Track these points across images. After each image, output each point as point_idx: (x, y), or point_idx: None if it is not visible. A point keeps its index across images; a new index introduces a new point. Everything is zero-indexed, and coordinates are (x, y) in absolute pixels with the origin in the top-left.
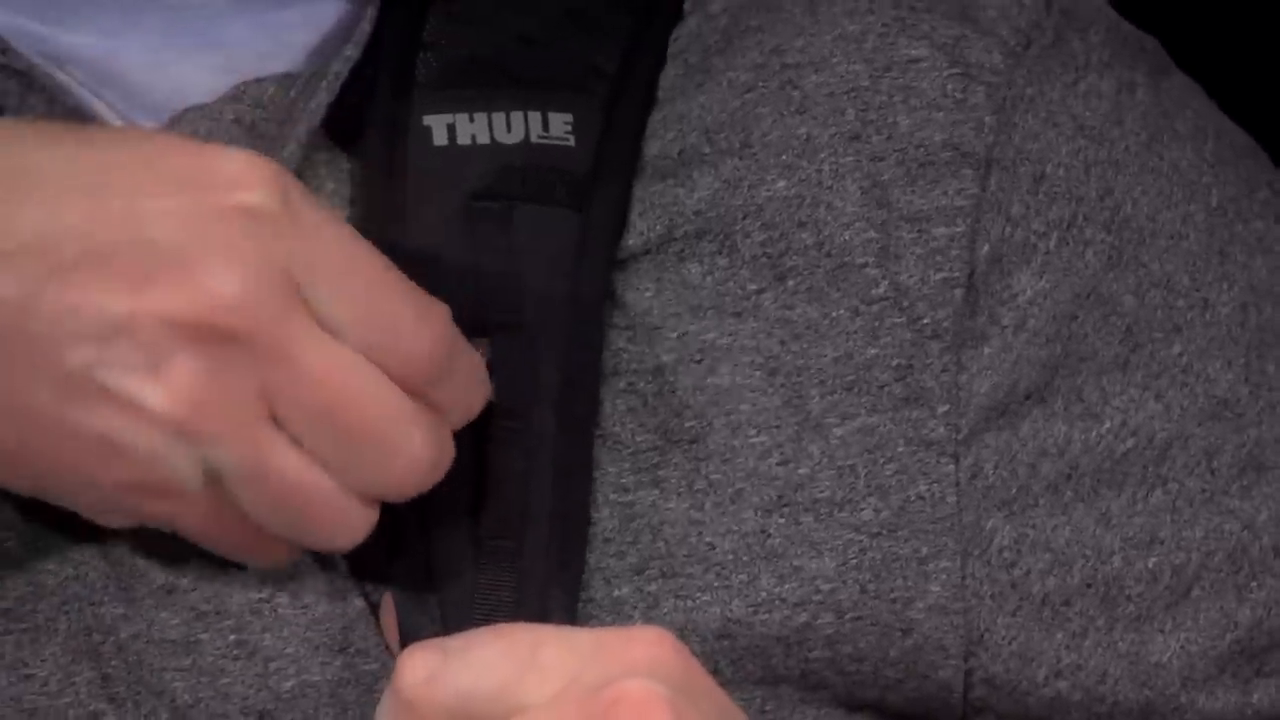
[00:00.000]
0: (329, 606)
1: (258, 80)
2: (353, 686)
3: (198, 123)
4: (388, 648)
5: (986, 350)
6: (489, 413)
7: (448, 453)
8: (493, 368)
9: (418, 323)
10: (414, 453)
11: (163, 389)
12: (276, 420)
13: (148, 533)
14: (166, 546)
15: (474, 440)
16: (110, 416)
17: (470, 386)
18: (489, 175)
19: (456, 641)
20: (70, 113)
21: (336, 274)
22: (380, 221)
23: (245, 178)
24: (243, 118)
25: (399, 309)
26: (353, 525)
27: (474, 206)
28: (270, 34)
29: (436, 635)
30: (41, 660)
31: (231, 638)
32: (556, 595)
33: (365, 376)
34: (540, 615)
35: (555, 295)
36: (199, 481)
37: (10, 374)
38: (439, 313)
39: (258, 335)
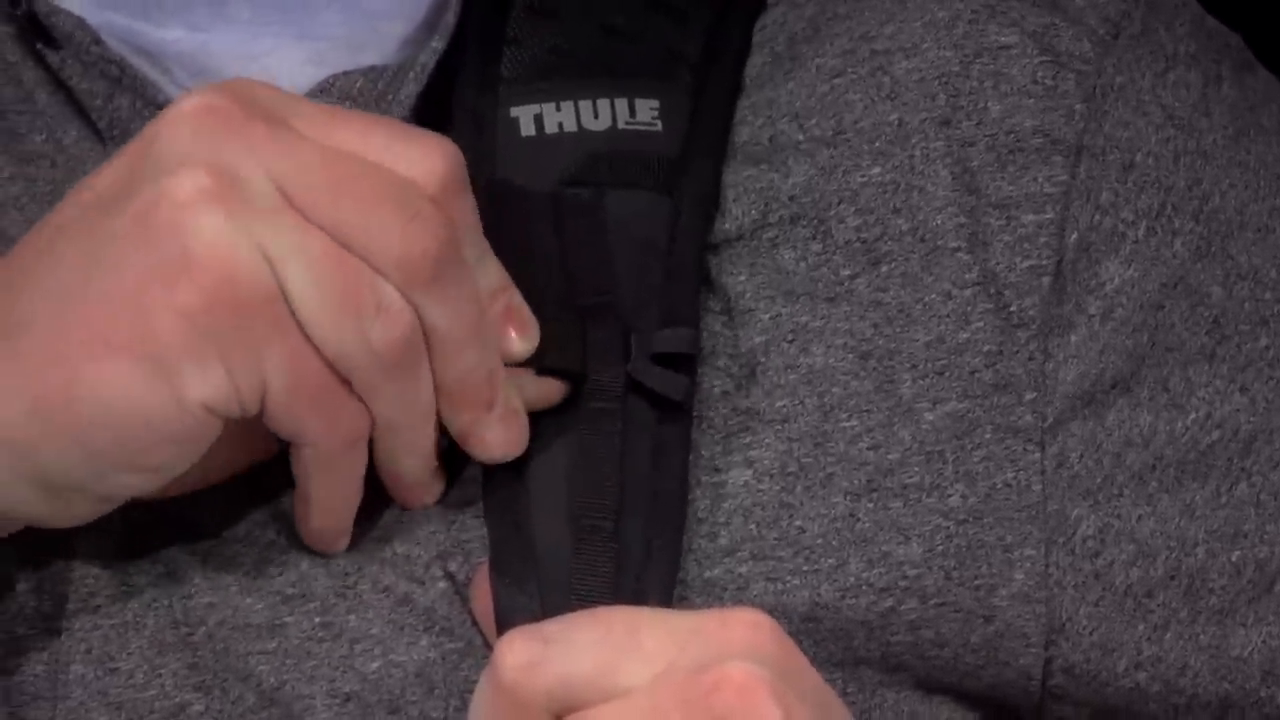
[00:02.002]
0: (410, 586)
1: (345, 73)
2: (439, 666)
3: None
4: (477, 626)
5: (1073, 338)
6: (584, 394)
7: (446, 236)
8: (587, 349)
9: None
10: (425, 214)
11: (191, 171)
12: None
13: (234, 522)
14: (253, 535)
15: (570, 421)
16: (161, 230)
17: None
18: (577, 162)
19: (555, 627)
20: (153, 107)
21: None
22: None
23: None
24: None
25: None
26: (393, 316)
27: (565, 194)
28: (362, 24)
29: (534, 615)
30: (128, 654)
31: (317, 620)
32: (654, 576)
33: (357, 160)
34: (637, 596)
35: (648, 277)
36: (268, 277)
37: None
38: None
39: (254, 122)
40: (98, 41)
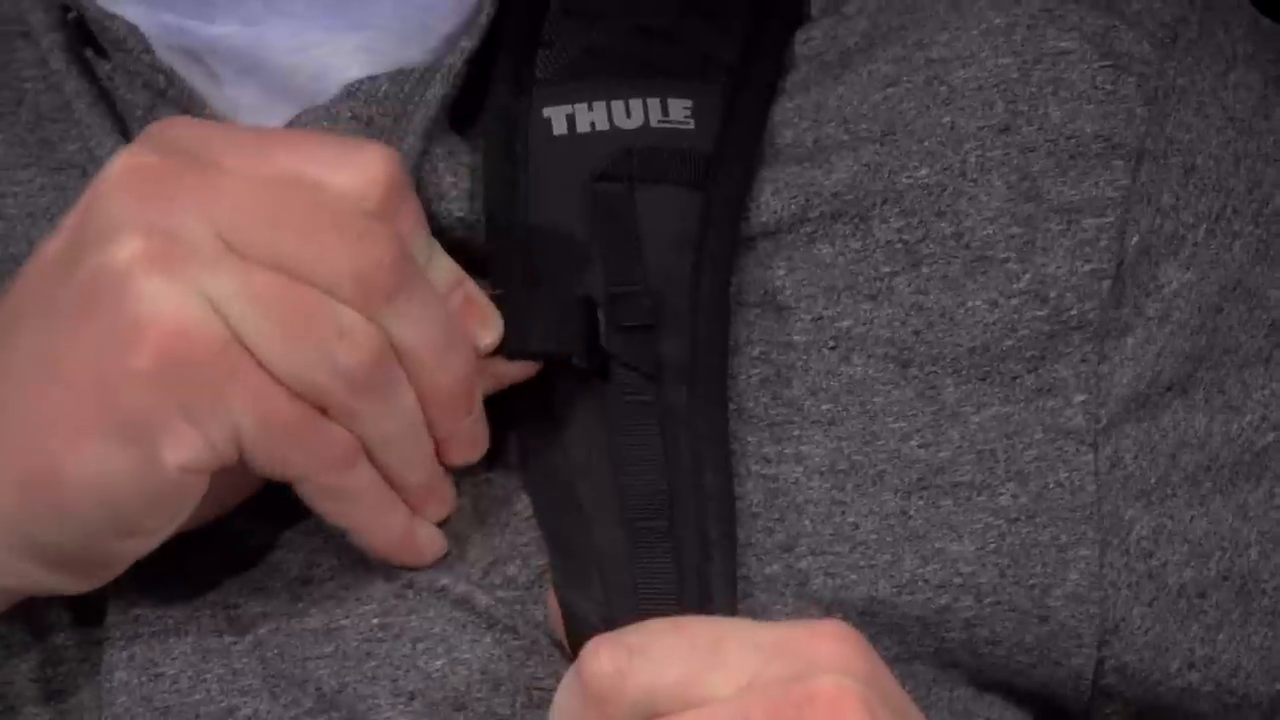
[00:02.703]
0: (469, 588)
1: (371, 78)
2: (504, 663)
3: (315, 123)
4: (540, 628)
5: (1130, 341)
6: (619, 391)
7: (396, 250)
8: (619, 342)
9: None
10: (371, 231)
11: (126, 238)
12: (237, 250)
13: (277, 528)
14: (297, 541)
15: (606, 417)
16: (106, 301)
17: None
18: (609, 158)
19: (638, 637)
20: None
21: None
22: (504, 210)
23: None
24: (359, 114)
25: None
26: (357, 340)
27: (596, 189)
28: (414, 17)
29: (603, 620)
30: (171, 659)
31: (375, 621)
32: (716, 572)
33: (295, 187)
34: (703, 595)
35: (679, 269)
36: (218, 325)
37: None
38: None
39: (183, 174)
40: (148, 50)
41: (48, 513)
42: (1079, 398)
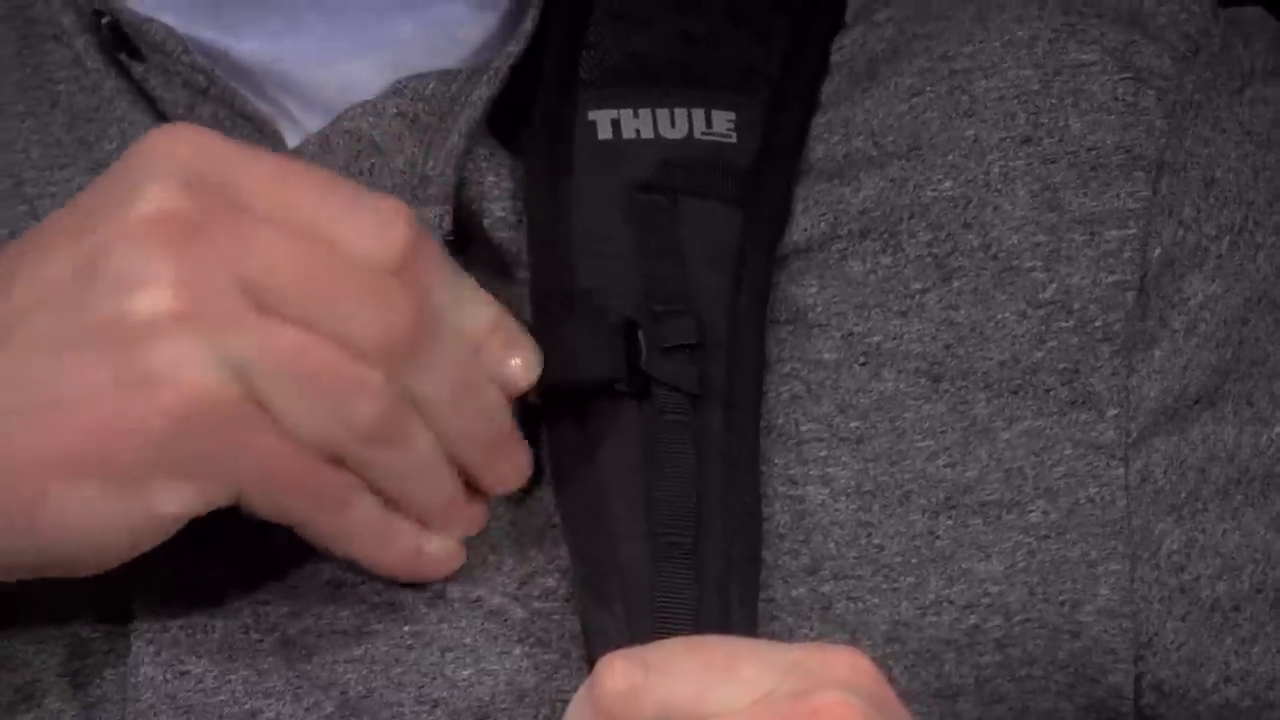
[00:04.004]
0: (503, 600)
1: (419, 76)
2: (531, 675)
3: (360, 118)
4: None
5: (1157, 354)
6: (657, 410)
7: (416, 309)
8: (661, 363)
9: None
10: (393, 292)
11: (153, 289)
12: (264, 308)
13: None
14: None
15: (645, 439)
16: (123, 349)
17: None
18: (653, 168)
19: (655, 654)
20: (243, 119)
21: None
22: (546, 212)
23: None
24: (405, 111)
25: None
26: (372, 395)
27: (638, 198)
28: (437, 31)
29: (622, 635)
30: (197, 657)
31: (405, 629)
32: (736, 593)
33: (321, 245)
34: (722, 614)
35: (717, 288)
36: (236, 389)
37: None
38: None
39: (212, 224)
40: (188, 51)
41: (21, 539)
42: (1111, 411)
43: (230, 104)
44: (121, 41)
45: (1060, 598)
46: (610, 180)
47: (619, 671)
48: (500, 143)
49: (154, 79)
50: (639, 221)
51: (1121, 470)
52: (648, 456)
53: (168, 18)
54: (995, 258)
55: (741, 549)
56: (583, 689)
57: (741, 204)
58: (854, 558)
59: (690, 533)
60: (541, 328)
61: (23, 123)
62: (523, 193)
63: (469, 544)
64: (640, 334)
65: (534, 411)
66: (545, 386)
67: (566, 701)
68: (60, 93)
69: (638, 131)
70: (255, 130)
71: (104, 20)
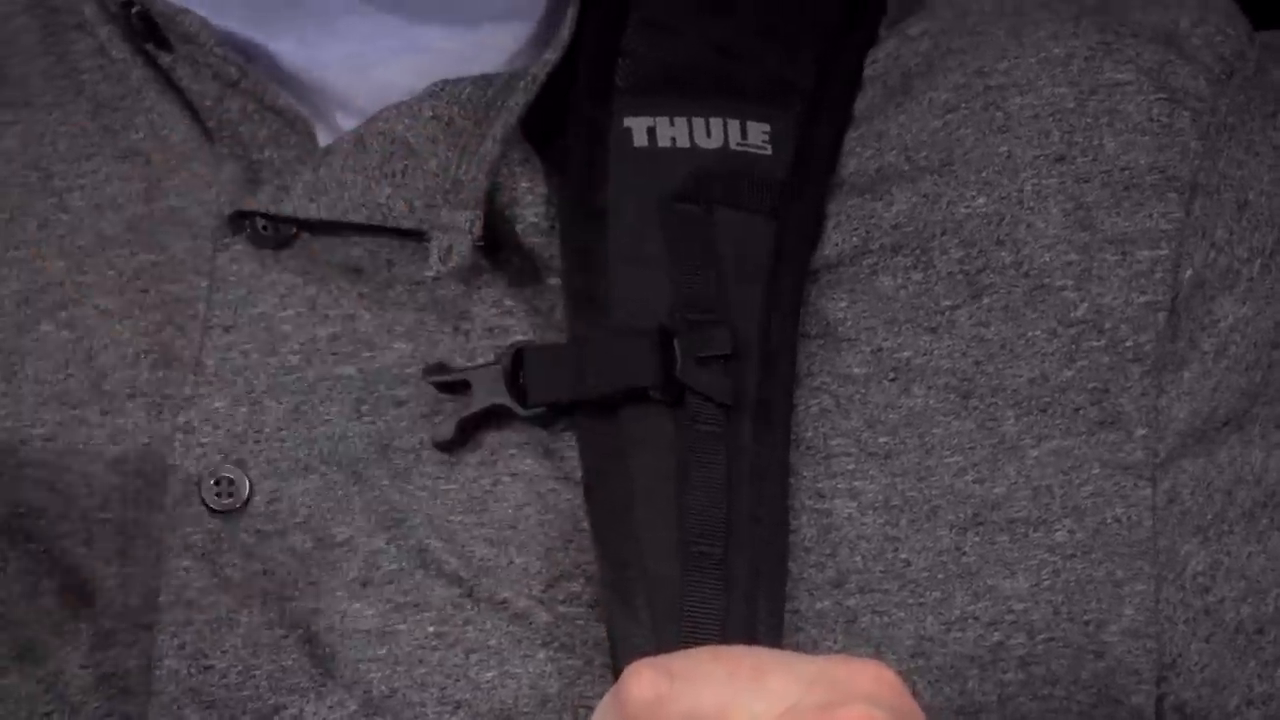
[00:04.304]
0: (529, 604)
1: (456, 79)
2: (555, 680)
3: (396, 120)
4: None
5: (1186, 375)
6: (690, 419)
7: None
8: (695, 374)
9: None
10: None
11: None
12: None
13: (333, 526)
14: (355, 542)
15: (674, 444)
16: None
17: None
18: (688, 178)
19: (681, 663)
20: (272, 113)
21: None
22: (581, 219)
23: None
24: (440, 114)
25: None
26: None
27: (675, 208)
28: (470, 38)
29: (648, 643)
30: (222, 652)
31: (430, 629)
32: (763, 604)
33: None
34: (749, 625)
35: (750, 300)
36: None
37: None
38: None
39: None
40: (221, 43)
41: None
42: (1140, 431)
43: (260, 98)
44: (149, 31)
45: (1085, 617)
46: (646, 189)
47: (646, 679)
48: (534, 148)
49: (181, 69)
50: (675, 231)
51: (1149, 491)
52: (680, 465)
53: (201, 12)
54: (1027, 275)
55: (769, 561)
56: (608, 696)
57: (775, 217)
58: (880, 572)
59: (720, 543)
60: (576, 333)
61: (49, 114)
62: (557, 198)
63: (496, 546)
64: (676, 343)
65: (565, 414)
66: (579, 391)
67: (590, 708)
68: (85, 81)
69: (673, 140)
70: (285, 124)
71: (134, 10)
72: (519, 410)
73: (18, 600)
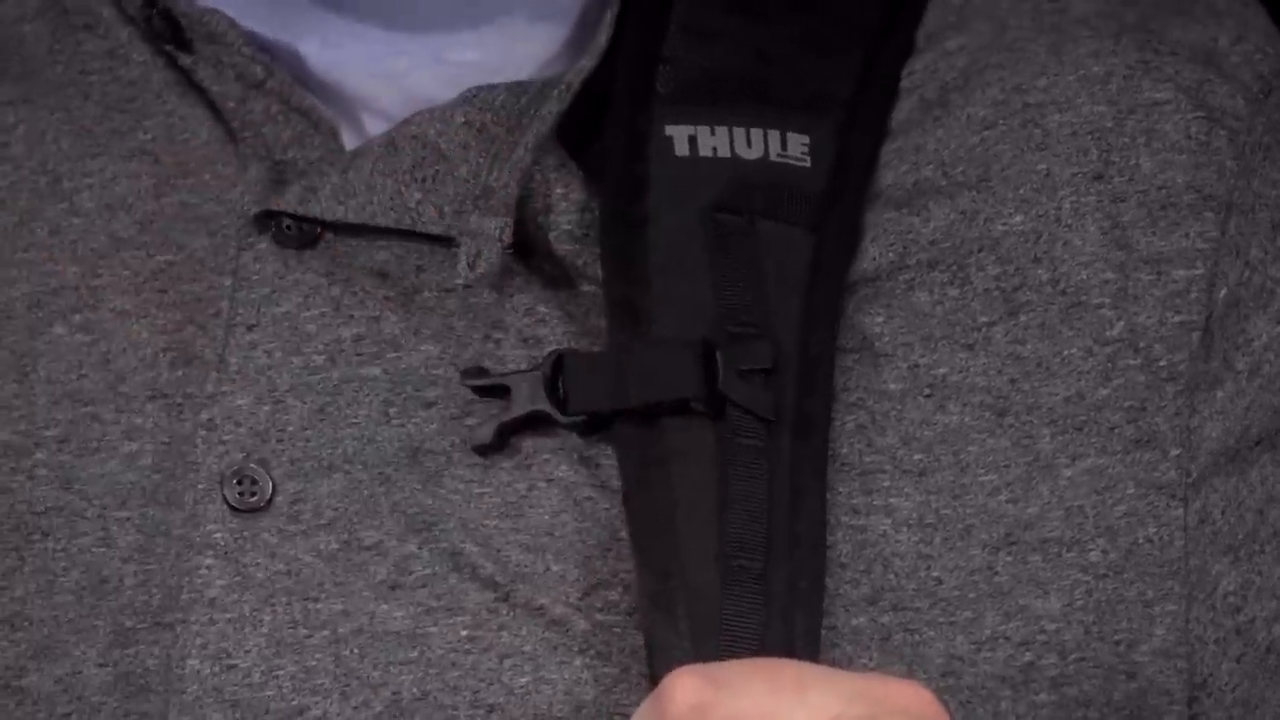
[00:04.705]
0: (566, 610)
1: (490, 85)
2: (591, 687)
3: (428, 124)
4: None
5: (1219, 394)
6: (731, 432)
7: None
8: (737, 387)
9: None
10: None
11: None
12: None
13: (361, 529)
14: (385, 545)
15: (719, 461)
16: None
17: None
18: (730, 188)
19: (722, 672)
20: (297, 114)
21: None
22: (622, 229)
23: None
24: (473, 120)
25: None
26: None
27: (717, 218)
28: (499, 47)
29: (686, 654)
30: (245, 651)
31: (464, 633)
32: (801, 620)
33: None
34: (786, 640)
35: (789, 314)
36: None
37: None
38: None
39: None
40: (247, 44)
41: None
42: (1174, 451)
43: (286, 99)
44: (171, 33)
45: (1115, 637)
46: (687, 198)
47: (689, 686)
48: (569, 154)
49: (203, 70)
50: (716, 242)
51: (1181, 511)
52: (721, 478)
53: (227, 13)
54: (1064, 293)
55: (808, 577)
56: (646, 703)
57: (814, 230)
58: (913, 590)
59: (760, 558)
60: (616, 342)
61: (54, 114)
62: (596, 206)
63: (532, 552)
64: (718, 355)
65: (604, 424)
66: (621, 400)
67: (625, 716)
68: (93, 83)
69: (714, 150)
70: (310, 126)
71: (155, 9)
72: (559, 417)
73: (33, 598)
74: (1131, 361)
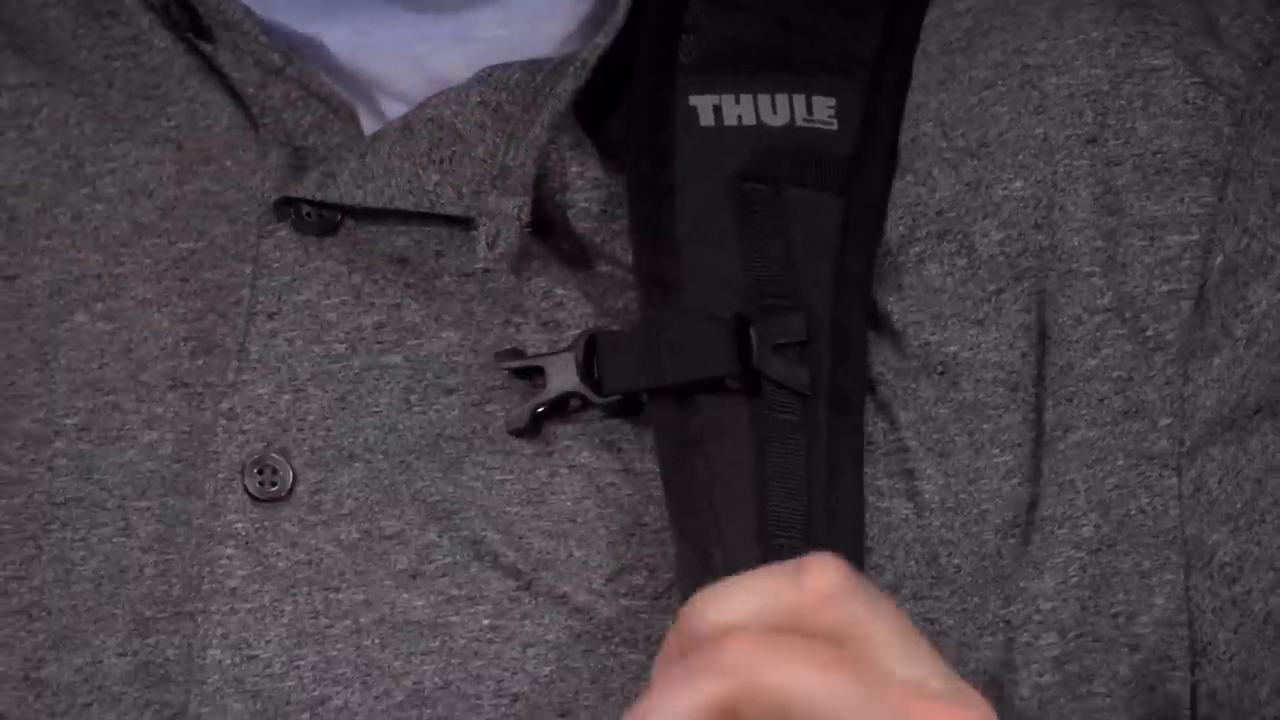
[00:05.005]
0: (590, 598)
1: (504, 64)
2: (617, 674)
3: (443, 106)
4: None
5: (1216, 362)
6: (767, 407)
7: None
8: (772, 361)
9: None
10: None
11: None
12: None
13: (381, 519)
14: (406, 534)
15: (756, 437)
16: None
17: None
18: (756, 157)
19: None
20: (317, 100)
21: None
22: (650, 200)
23: None
24: (488, 100)
25: None
26: None
27: (743, 188)
28: (522, 25)
29: None
30: (266, 641)
31: (486, 622)
32: None
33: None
34: None
35: (821, 282)
36: None
37: None
38: None
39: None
40: (265, 32)
41: None
42: (1164, 421)
43: (305, 85)
44: (190, 21)
45: (1114, 610)
46: (713, 168)
47: (833, 565)
48: (585, 131)
49: (223, 56)
50: (744, 212)
51: (1174, 480)
52: (758, 455)
53: (254, 4)
54: (1059, 259)
55: (846, 557)
56: (782, 573)
57: (843, 194)
58: (932, 578)
59: (799, 536)
60: (648, 317)
61: (75, 99)
62: (613, 184)
63: (555, 539)
64: (752, 331)
65: (637, 403)
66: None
67: None
68: (117, 69)
69: (739, 118)
70: (330, 111)
71: None
72: (594, 398)
73: (51, 588)
74: (1119, 330)
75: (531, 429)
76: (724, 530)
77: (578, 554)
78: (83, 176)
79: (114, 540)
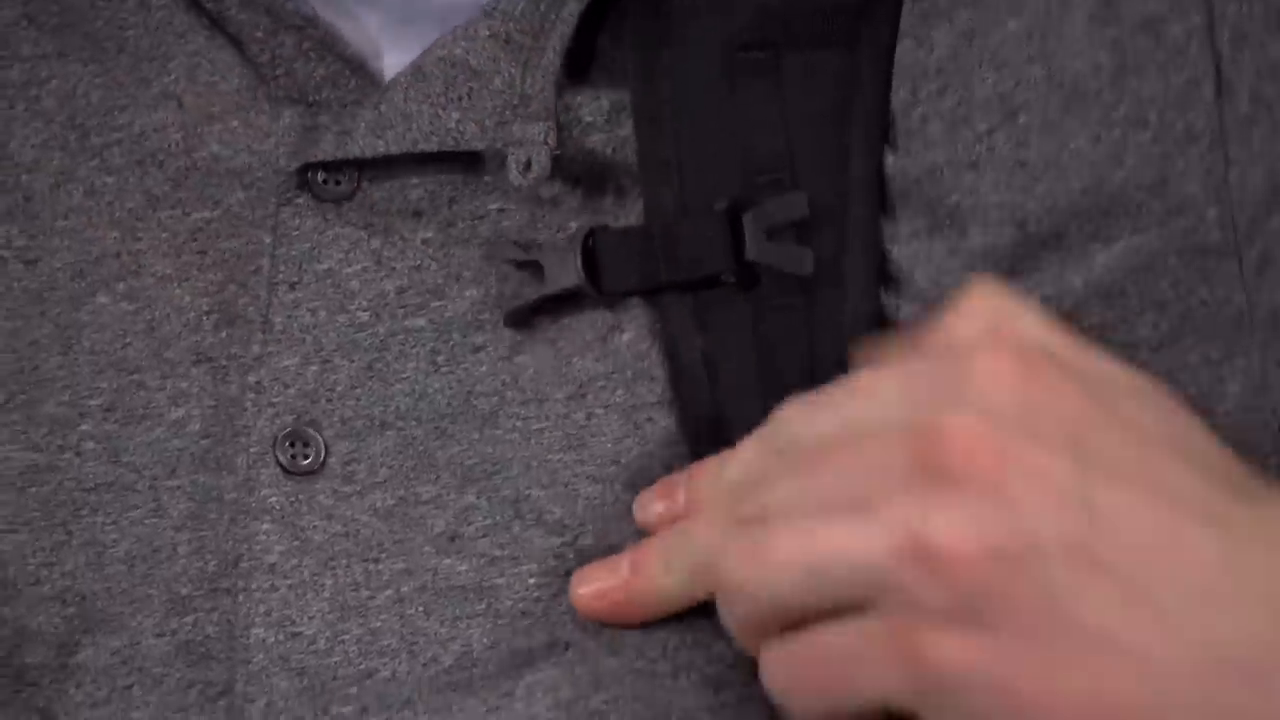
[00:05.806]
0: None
1: None
2: (674, 621)
3: (453, 45)
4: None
5: (1255, 134)
6: (766, 298)
7: None
8: (769, 247)
9: None
10: None
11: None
12: None
13: (416, 484)
14: (444, 499)
15: (757, 332)
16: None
17: None
18: (752, 21)
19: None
20: (332, 54)
21: None
22: (647, 93)
23: None
24: (497, 32)
25: None
26: None
27: (737, 59)
28: None
29: None
30: (309, 618)
31: (532, 581)
32: None
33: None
34: None
35: (825, 151)
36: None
37: None
38: None
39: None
40: None
41: None
42: (1211, 211)
43: (312, 35)
44: None
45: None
46: (708, 38)
47: (992, 292)
48: (584, 47)
49: (231, 6)
50: (740, 85)
51: (1235, 265)
52: (761, 353)
53: None
54: (1060, 86)
55: None
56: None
57: (850, 48)
58: None
59: None
60: (649, 207)
61: (85, 67)
62: (611, 98)
63: (600, 483)
64: (744, 219)
65: (650, 316)
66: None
67: (710, 650)
68: (128, 38)
69: None
70: (343, 64)
71: None
72: (591, 292)
73: (83, 571)
74: (1142, 136)
75: (525, 319)
76: (734, 436)
77: (625, 496)
78: (90, 148)
79: (146, 521)
